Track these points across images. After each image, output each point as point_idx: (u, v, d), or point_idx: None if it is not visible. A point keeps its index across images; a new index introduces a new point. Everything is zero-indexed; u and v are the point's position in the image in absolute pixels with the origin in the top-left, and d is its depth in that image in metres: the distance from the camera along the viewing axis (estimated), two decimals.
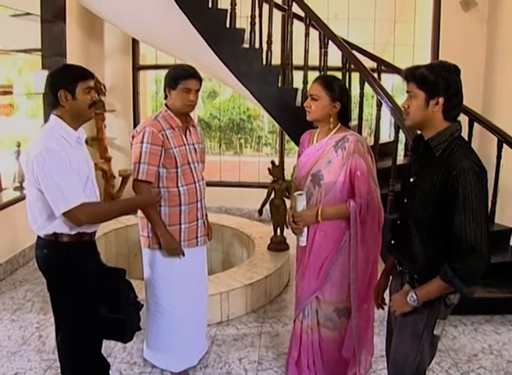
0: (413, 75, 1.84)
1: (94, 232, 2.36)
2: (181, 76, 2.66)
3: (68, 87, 2.14)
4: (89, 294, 2.27)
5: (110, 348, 3.17)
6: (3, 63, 5.87)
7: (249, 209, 6.12)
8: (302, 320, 2.66)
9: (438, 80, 1.78)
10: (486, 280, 3.56)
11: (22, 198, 4.42)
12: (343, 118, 2.53)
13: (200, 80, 2.70)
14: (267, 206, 4.49)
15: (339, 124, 2.52)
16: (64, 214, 2.11)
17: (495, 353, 3.21)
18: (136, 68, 6.28)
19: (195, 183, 2.76)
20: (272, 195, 4.47)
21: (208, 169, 3.14)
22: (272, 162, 4.44)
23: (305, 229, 2.52)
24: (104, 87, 5.54)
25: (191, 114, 2.83)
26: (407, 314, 1.94)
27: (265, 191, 4.52)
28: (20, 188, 4.67)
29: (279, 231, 4.49)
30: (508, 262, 3.92)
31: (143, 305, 2.56)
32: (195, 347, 3.03)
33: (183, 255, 2.74)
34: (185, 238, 2.77)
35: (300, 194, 2.48)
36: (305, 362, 2.70)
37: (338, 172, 2.43)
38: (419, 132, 1.97)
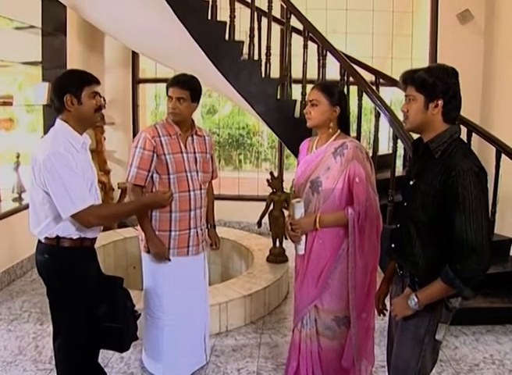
0: (411, 78, 1.85)
1: (95, 238, 2.36)
2: (167, 84, 2.74)
3: (74, 92, 2.16)
4: (89, 300, 2.26)
5: (107, 359, 3.14)
6: (3, 75, 5.90)
7: (248, 222, 6.11)
8: (301, 329, 2.63)
9: (436, 83, 1.79)
10: (487, 291, 3.67)
11: (20, 209, 4.42)
12: (343, 124, 2.53)
13: (184, 88, 2.68)
14: (266, 218, 4.48)
15: (339, 131, 2.52)
16: (73, 216, 2.12)
17: (497, 363, 3.17)
18: (136, 81, 6.34)
19: (189, 191, 2.76)
20: (271, 207, 4.46)
21: None
22: (271, 174, 4.44)
23: (303, 237, 2.50)
24: (104, 100, 5.52)
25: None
26: (408, 319, 1.92)
27: (264, 203, 4.52)
28: (19, 199, 4.67)
29: (278, 243, 4.47)
30: (509, 272, 3.90)
31: (140, 314, 2.54)
32: (187, 358, 2.99)
33: (169, 260, 2.75)
34: (174, 246, 2.78)
35: (298, 202, 2.47)
36: (304, 372, 2.66)
37: (336, 178, 2.42)
38: (418, 136, 1.98)
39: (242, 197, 6.47)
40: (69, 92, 2.16)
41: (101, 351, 2.45)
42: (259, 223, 4.46)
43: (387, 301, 2.18)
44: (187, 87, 2.70)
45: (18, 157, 4.75)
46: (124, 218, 2.40)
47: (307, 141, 2.69)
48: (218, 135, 10.70)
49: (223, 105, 10.67)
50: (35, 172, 2.13)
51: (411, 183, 1.95)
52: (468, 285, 1.75)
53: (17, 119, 8.12)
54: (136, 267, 4.52)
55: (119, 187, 5.50)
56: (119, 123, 6.17)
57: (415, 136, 2.03)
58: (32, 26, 4.86)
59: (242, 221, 6.19)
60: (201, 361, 3.10)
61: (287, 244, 4.18)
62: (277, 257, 4.40)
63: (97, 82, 2.27)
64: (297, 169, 2.64)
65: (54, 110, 2.27)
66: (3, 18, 4.51)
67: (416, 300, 1.84)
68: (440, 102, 1.80)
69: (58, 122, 2.22)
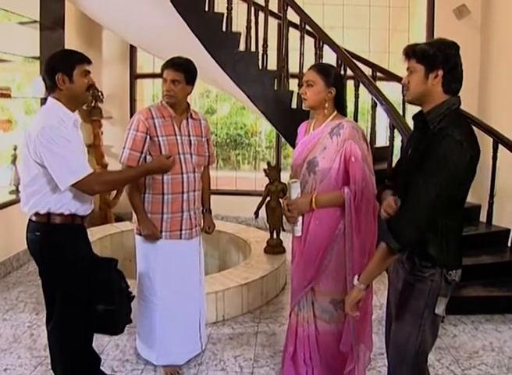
0: (413, 50, 1.85)
1: (86, 216, 2.35)
2: (162, 67, 2.74)
3: (65, 71, 2.18)
4: (80, 279, 2.24)
5: (102, 346, 3.12)
6: (2, 72, 5.91)
7: (245, 217, 6.10)
8: (298, 313, 2.61)
9: (437, 54, 1.79)
10: (486, 280, 3.67)
11: (17, 201, 4.38)
12: (339, 106, 2.52)
13: (179, 70, 2.68)
14: (263, 209, 4.47)
15: (335, 112, 2.51)
16: (75, 185, 2.12)
17: (496, 350, 3.16)
18: (134, 76, 6.35)
19: (182, 174, 2.75)
20: (268, 198, 4.44)
21: None
22: (268, 163, 4.43)
23: (300, 218, 2.48)
24: (102, 94, 5.57)
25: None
26: (407, 293, 1.91)
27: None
28: (16, 191, 4.65)
29: (275, 234, 4.46)
30: (507, 261, 3.90)
31: (134, 296, 2.53)
32: (182, 345, 2.95)
33: (160, 237, 2.74)
34: (167, 229, 2.76)
35: (295, 182, 2.46)
36: (301, 357, 2.64)
37: (333, 158, 2.41)
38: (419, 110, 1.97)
39: (239, 191, 6.46)
40: (61, 71, 2.17)
41: (97, 338, 2.44)
42: (256, 214, 4.45)
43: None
44: (182, 69, 2.69)
45: (15, 149, 4.74)
46: (127, 183, 2.40)
47: (305, 124, 2.68)
48: (217, 135, 10.68)
49: (221, 106, 10.67)
50: (29, 147, 2.12)
51: (407, 156, 1.96)
52: (397, 240, 1.76)
53: (15, 121, 8.13)
54: (132, 260, 4.49)
55: None
56: (116, 117, 6.17)
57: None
58: (33, 21, 4.88)
59: (239, 216, 6.17)
60: (197, 349, 3.05)
61: (284, 235, 4.18)
62: (274, 248, 4.38)
63: (88, 61, 2.28)
64: (295, 150, 2.63)
65: (46, 89, 2.28)
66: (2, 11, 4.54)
67: (358, 282, 1.90)
68: (440, 72, 1.79)
69: (50, 100, 2.23)
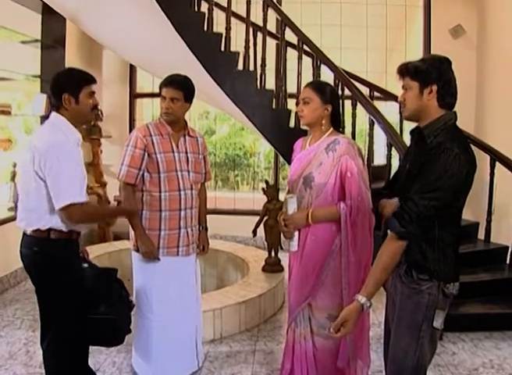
0: (406, 68, 1.90)
1: (80, 232, 2.35)
2: (161, 84, 2.76)
3: (72, 92, 2.21)
4: (77, 292, 2.23)
5: (99, 363, 3.08)
6: (3, 90, 5.96)
7: (244, 237, 6.08)
8: (294, 329, 2.59)
9: (430, 69, 1.83)
10: (485, 297, 3.65)
11: (15, 218, 4.38)
12: (335, 122, 2.55)
13: (178, 88, 2.71)
14: (261, 227, 4.46)
15: (331, 128, 2.54)
16: (63, 208, 2.11)
17: (496, 367, 3.13)
18: (133, 96, 6.41)
19: (180, 190, 2.76)
20: (266, 217, 4.45)
21: None
22: (266, 182, 4.45)
23: (296, 233, 2.49)
24: (102, 113, 5.61)
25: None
26: (404, 306, 1.90)
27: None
28: (15, 208, 4.65)
29: (273, 253, 4.45)
30: (506, 278, 3.89)
31: (134, 305, 2.54)
32: (178, 362, 2.93)
33: (158, 259, 2.74)
34: (164, 245, 2.76)
35: (291, 197, 2.48)
36: (299, 374, 2.62)
37: (329, 173, 2.43)
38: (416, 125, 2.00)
39: (237, 211, 6.47)
40: (68, 92, 2.20)
41: (93, 355, 2.42)
42: (254, 232, 4.44)
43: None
44: (181, 87, 2.73)
45: (14, 166, 4.77)
46: (103, 221, 2.42)
47: (301, 140, 2.71)
48: (215, 156, 10.72)
49: (220, 126, 10.74)
50: (35, 161, 2.12)
51: (404, 170, 1.98)
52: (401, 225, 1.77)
53: (15, 140, 8.18)
54: (130, 279, 4.48)
55: (115, 200, 5.47)
56: (115, 137, 6.20)
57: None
58: (35, 40, 4.97)
59: (238, 235, 6.16)
60: (193, 366, 3.02)
61: (283, 254, 4.17)
62: (272, 267, 4.37)
63: (94, 81, 2.31)
64: (291, 166, 2.65)
65: (51, 106, 2.31)
66: (4, 30, 4.61)
67: (364, 298, 1.82)
68: (434, 87, 1.83)
69: (54, 114, 2.25)
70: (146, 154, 2.69)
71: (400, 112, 2.04)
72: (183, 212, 2.78)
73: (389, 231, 1.82)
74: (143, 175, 2.73)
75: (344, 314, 1.85)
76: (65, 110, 2.22)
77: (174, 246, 2.79)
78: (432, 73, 1.82)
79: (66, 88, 2.20)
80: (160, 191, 2.71)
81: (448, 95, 1.85)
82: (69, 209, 2.12)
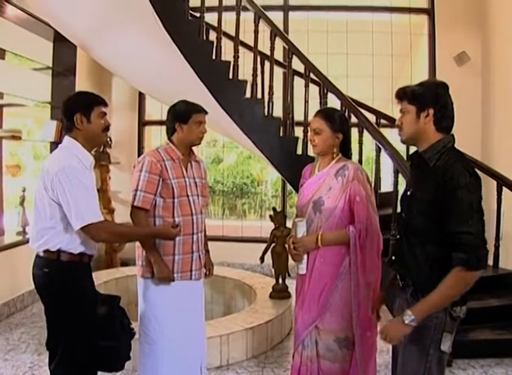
0: (404, 92, 1.95)
1: (92, 255, 2.36)
2: (193, 110, 2.79)
3: (84, 111, 2.26)
4: (86, 316, 2.24)
5: None
6: (14, 117, 6.08)
7: (251, 264, 6.06)
8: (301, 352, 2.57)
9: (426, 93, 1.88)
10: (494, 323, 3.61)
11: (23, 242, 4.43)
12: (343, 148, 2.60)
13: (206, 113, 2.83)
14: (269, 254, 4.46)
15: (340, 154, 2.59)
16: (84, 229, 2.15)
17: None
18: (142, 123, 6.49)
19: (192, 215, 2.77)
20: (274, 243, 4.44)
21: (210, 231, 3.14)
22: (274, 209, 4.46)
23: (305, 256, 2.51)
24: (110, 140, 5.68)
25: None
26: (412, 330, 1.89)
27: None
28: (23, 233, 4.68)
29: (280, 279, 4.43)
30: None
31: (135, 333, 2.52)
32: None
33: (173, 280, 2.71)
34: (178, 270, 2.74)
35: (301, 221, 2.50)
36: None
37: (338, 198, 2.47)
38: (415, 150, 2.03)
39: (244, 238, 6.46)
40: (79, 111, 2.25)
41: None
42: (262, 259, 4.43)
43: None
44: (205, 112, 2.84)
45: (24, 191, 4.81)
46: (132, 240, 2.42)
47: (310, 166, 2.75)
48: (223, 184, 10.77)
49: (228, 155, 10.81)
50: (47, 184, 2.16)
51: (408, 193, 2.00)
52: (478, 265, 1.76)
53: (24, 166, 8.29)
54: (137, 305, 4.47)
55: None
56: (124, 164, 6.25)
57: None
58: (47, 67, 5.09)
59: (245, 263, 6.14)
60: None
61: (290, 281, 4.15)
62: (280, 293, 4.34)
63: (105, 104, 2.37)
64: (300, 191, 2.68)
65: (63, 129, 2.35)
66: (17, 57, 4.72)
67: (412, 316, 1.80)
68: (431, 111, 1.87)
69: (67, 138, 2.30)
70: (161, 179, 2.69)
71: (399, 134, 2.05)
72: (195, 236, 2.78)
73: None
74: (155, 200, 2.73)
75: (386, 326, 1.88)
76: (78, 130, 2.27)
77: (187, 270, 2.77)
78: (428, 97, 1.87)
79: (78, 108, 2.26)
80: (173, 216, 2.70)
81: (445, 119, 1.90)
82: (88, 229, 2.15)
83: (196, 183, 2.85)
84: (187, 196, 2.77)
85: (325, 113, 2.62)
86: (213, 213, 10.12)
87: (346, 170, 2.50)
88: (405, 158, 4.14)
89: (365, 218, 2.43)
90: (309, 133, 2.62)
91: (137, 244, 2.76)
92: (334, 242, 2.46)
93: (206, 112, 2.83)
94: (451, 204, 1.76)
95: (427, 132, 1.90)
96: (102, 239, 2.25)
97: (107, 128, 2.38)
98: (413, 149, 2.06)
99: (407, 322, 1.81)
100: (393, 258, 2.08)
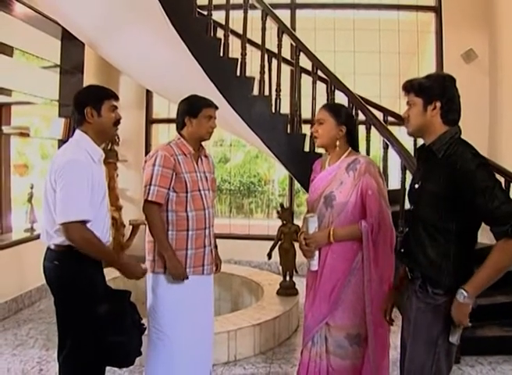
0: (411, 84, 1.96)
1: None
2: (203, 105, 2.80)
3: (94, 105, 2.27)
4: (95, 310, 2.24)
5: None
6: (22, 115, 6.10)
7: (258, 262, 6.05)
8: (310, 348, 2.56)
9: (433, 86, 1.90)
10: (502, 320, 3.58)
11: (31, 239, 4.45)
12: (351, 142, 2.59)
13: (216, 108, 2.84)
14: (276, 251, 4.46)
15: (350, 148, 2.58)
16: (63, 224, 2.12)
17: None
18: (150, 121, 6.51)
19: (204, 209, 2.77)
20: (281, 240, 4.44)
21: (217, 229, 3.10)
22: (281, 205, 4.46)
23: (317, 252, 2.50)
24: (118, 138, 5.69)
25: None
26: (420, 321, 1.89)
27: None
28: (31, 229, 4.70)
29: (288, 276, 4.43)
30: None
31: (146, 328, 2.52)
32: None
33: (187, 278, 2.69)
34: (191, 265, 2.73)
35: (312, 216, 2.49)
36: None
37: (350, 192, 2.46)
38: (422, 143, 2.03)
39: (252, 236, 6.47)
40: (90, 105, 2.26)
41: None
42: (269, 255, 4.44)
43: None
44: (217, 107, 2.85)
45: (32, 188, 4.83)
46: (97, 256, 2.29)
47: (320, 161, 2.73)
48: (230, 183, 10.76)
49: (235, 154, 10.81)
50: (52, 176, 2.17)
51: (417, 186, 2.00)
52: None
53: (32, 165, 8.32)
54: (144, 303, 4.47)
55: (130, 224, 5.52)
56: (131, 161, 6.27)
57: None
58: (55, 65, 5.13)
59: (252, 260, 6.14)
60: None
61: (297, 278, 4.16)
62: (287, 290, 4.35)
63: (115, 97, 2.38)
64: (311, 185, 2.67)
65: (74, 123, 2.36)
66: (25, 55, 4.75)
67: (465, 292, 1.78)
68: (438, 104, 1.88)
69: (78, 132, 2.31)
70: (174, 174, 2.68)
71: (406, 126, 2.06)
72: (207, 231, 2.78)
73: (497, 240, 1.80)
74: (168, 194, 2.72)
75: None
76: (88, 124, 2.28)
77: (200, 265, 2.77)
78: (435, 90, 1.88)
79: (88, 102, 2.27)
80: (186, 211, 2.70)
81: (451, 112, 1.91)
82: (66, 227, 2.12)
83: (206, 177, 2.85)
84: (199, 190, 2.77)
85: (330, 106, 2.65)
86: (220, 212, 10.10)
87: (357, 164, 2.49)
88: (413, 155, 4.15)
89: (377, 212, 2.42)
90: (314, 126, 2.62)
91: (149, 238, 2.75)
92: (346, 238, 2.45)
93: (216, 107, 2.83)
94: (471, 187, 1.76)
95: (434, 124, 1.91)
96: (73, 240, 2.15)
97: (118, 121, 2.38)
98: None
99: (461, 300, 1.78)
100: (402, 250, 2.08)
